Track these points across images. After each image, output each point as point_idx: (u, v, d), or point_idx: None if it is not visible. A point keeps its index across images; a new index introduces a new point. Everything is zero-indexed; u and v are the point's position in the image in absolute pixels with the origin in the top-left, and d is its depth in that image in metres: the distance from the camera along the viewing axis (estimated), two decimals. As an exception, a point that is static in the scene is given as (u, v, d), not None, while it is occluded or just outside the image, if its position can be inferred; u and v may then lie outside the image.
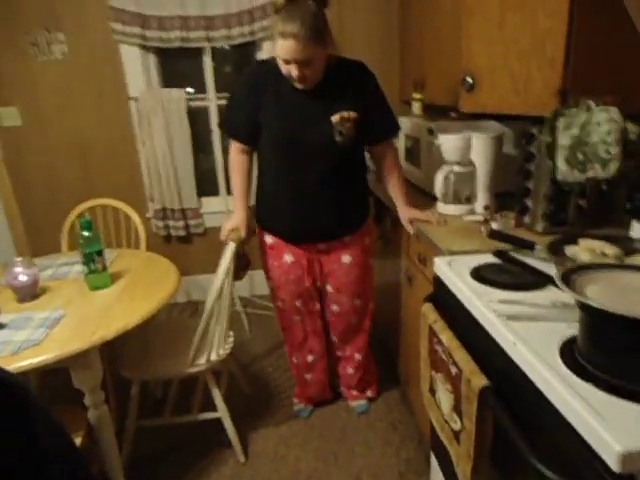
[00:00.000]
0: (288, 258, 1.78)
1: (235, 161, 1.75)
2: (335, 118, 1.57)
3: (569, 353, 0.82)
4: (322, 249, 1.77)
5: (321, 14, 1.44)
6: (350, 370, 2.06)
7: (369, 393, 2.14)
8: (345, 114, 1.57)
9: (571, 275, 0.84)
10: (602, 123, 1.26)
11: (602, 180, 1.32)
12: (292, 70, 1.46)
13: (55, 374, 1.41)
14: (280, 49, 1.43)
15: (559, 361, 0.80)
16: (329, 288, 1.86)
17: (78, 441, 1.40)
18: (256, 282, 3.20)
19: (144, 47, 2.75)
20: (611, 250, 1.18)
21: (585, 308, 0.75)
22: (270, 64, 1.56)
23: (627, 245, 1.21)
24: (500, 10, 1.42)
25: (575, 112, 1.26)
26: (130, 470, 1.75)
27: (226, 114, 1.78)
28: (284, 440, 1.94)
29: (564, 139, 1.28)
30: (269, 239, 1.79)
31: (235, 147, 1.73)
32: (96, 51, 2.74)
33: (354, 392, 2.12)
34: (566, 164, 1.30)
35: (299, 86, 1.54)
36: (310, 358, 1.99)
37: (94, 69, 2.77)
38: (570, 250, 1.22)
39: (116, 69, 2.78)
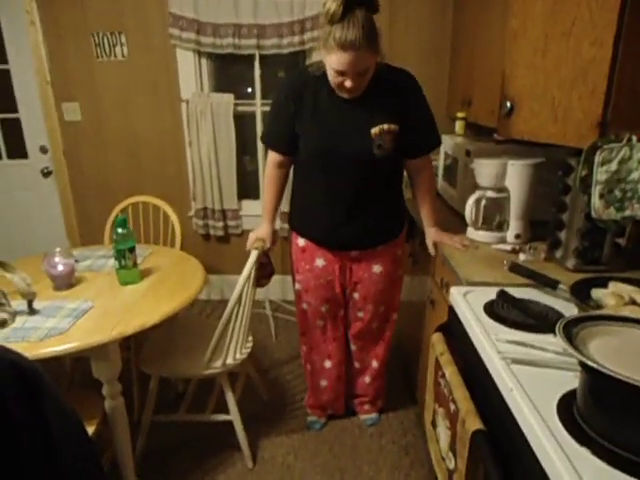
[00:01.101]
0: (320, 262, 1.78)
1: (271, 175, 1.76)
2: (375, 131, 1.53)
3: (567, 408, 0.77)
4: (354, 257, 1.76)
5: (373, 21, 1.39)
6: (367, 379, 2.04)
7: (379, 404, 2.13)
8: (385, 127, 1.54)
9: (579, 324, 0.79)
10: (644, 160, 1.18)
11: (642, 220, 1.24)
12: (346, 82, 1.43)
13: (87, 360, 1.48)
14: (336, 61, 1.38)
15: (555, 416, 0.76)
16: (356, 296, 1.85)
17: (92, 428, 1.47)
18: (288, 287, 3.24)
19: (198, 52, 2.85)
20: (642, 297, 1.10)
21: (582, 364, 0.71)
22: (307, 73, 1.56)
23: (661, 293, 1.13)
24: (544, 36, 1.36)
25: (615, 146, 1.19)
26: (141, 461, 1.82)
27: (265, 125, 1.78)
28: (294, 450, 1.94)
29: (601, 174, 1.21)
30: (301, 241, 1.79)
31: (272, 159, 1.73)
32: (154, 54, 2.87)
33: (366, 406, 2.10)
34: (601, 200, 1.23)
35: (346, 96, 1.51)
36: (328, 364, 1.97)
37: (150, 71, 2.91)
38: (597, 293, 1.15)
39: (171, 72, 2.90)
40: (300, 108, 1.59)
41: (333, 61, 1.39)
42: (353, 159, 1.58)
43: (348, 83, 1.43)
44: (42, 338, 1.38)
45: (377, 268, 1.78)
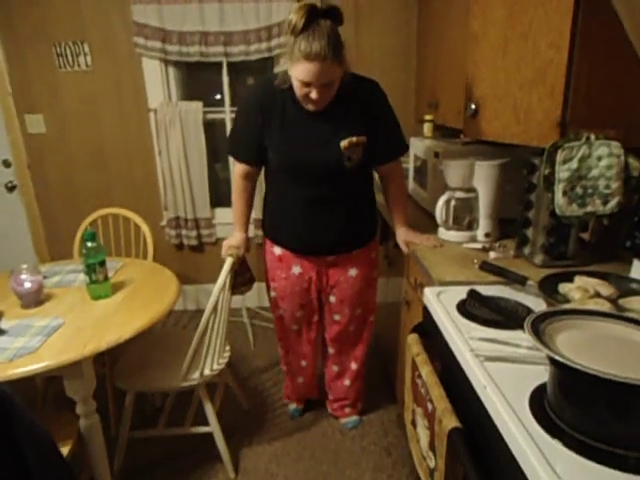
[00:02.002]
0: (296, 270, 1.78)
1: (238, 186, 1.74)
2: (344, 144, 1.54)
3: (539, 402, 0.79)
4: (330, 261, 1.77)
5: (338, 32, 1.39)
6: (347, 382, 2.05)
7: (359, 406, 2.15)
8: (355, 139, 1.54)
9: (546, 319, 0.82)
10: (603, 157, 1.23)
11: (603, 215, 1.29)
12: (312, 93, 1.42)
13: (60, 378, 1.44)
14: (302, 72, 1.38)
15: (527, 410, 0.78)
16: (333, 299, 1.86)
17: (67, 449, 1.43)
18: (265, 294, 3.22)
19: (164, 60, 2.82)
20: (606, 290, 1.14)
21: (550, 359, 0.73)
22: (273, 83, 1.54)
23: (624, 285, 1.17)
24: (504, 38, 1.40)
25: (575, 145, 1.23)
26: (121, 479, 1.78)
27: (230, 135, 1.73)
28: (276, 458, 1.93)
29: (563, 172, 1.25)
30: (278, 250, 1.78)
31: (239, 170, 1.71)
32: (119, 63, 2.83)
33: (347, 409, 2.12)
34: (564, 197, 1.27)
35: (311, 108, 1.50)
36: (304, 363, 2.04)
37: (116, 81, 2.86)
38: (564, 288, 1.19)
39: (137, 81, 2.86)
40: (268, 121, 1.57)
41: (299, 72, 1.39)
42: (323, 171, 1.59)
43: (314, 94, 1.43)
44: (11, 359, 1.34)
45: (353, 271, 1.80)
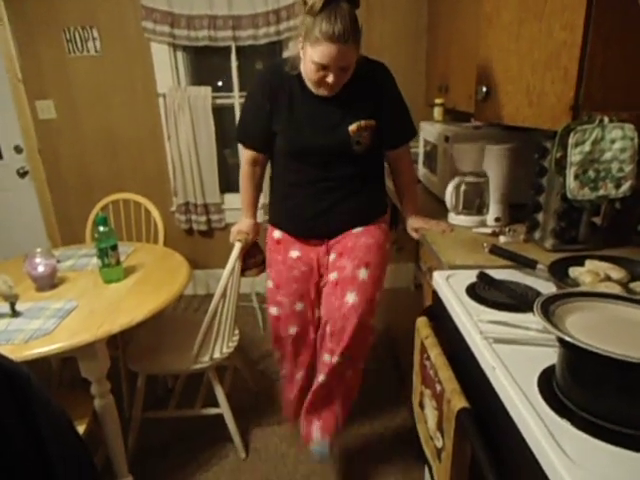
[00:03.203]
0: (294, 253, 1.68)
1: (246, 173, 1.72)
2: (352, 128, 1.51)
3: (547, 383, 0.80)
4: (333, 242, 1.68)
5: (356, 15, 1.35)
6: (321, 377, 1.63)
7: (329, 426, 1.67)
8: (363, 123, 1.52)
9: (556, 301, 0.82)
10: (616, 140, 1.21)
11: (615, 199, 1.28)
12: (329, 77, 1.38)
13: (75, 359, 1.47)
14: (321, 54, 1.33)
15: (536, 391, 0.79)
16: (332, 257, 1.65)
17: (83, 427, 1.47)
18: (274, 279, 3.25)
19: (173, 45, 2.81)
20: (617, 274, 1.14)
21: (560, 340, 0.73)
22: (282, 68, 1.53)
23: (636, 269, 1.16)
24: (518, 20, 1.38)
25: (588, 128, 1.21)
26: (134, 458, 1.83)
27: (239, 121, 1.71)
28: (286, 439, 1.96)
29: (575, 155, 1.24)
30: (277, 234, 1.72)
31: (247, 156, 1.69)
32: (128, 48, 2.83)
33: (315, 423, 1.68)
34: (576, 181, 1.26)
35: (323, 93, 1.47)
36: (298, 376, 1.76)
37: (125, 66, 2.86)
38: (574, 272, 1.18)
39: (146, 66, 2.86)
40: (276, 106, 1.55)
41: (317, 54, 1.34)
42: (332, 156, 1.57)
43: (330, 78, 1.39)
44: (27, 340, 1.37)
45: (358, 229, 1.65)
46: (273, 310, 1.71)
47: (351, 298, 1.56)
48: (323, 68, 1.37)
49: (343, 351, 1.57)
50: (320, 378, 1.62)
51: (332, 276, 1.62)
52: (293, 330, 1.69)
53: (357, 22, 1.36)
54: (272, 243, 1.74)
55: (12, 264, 1.90)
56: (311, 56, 1.36)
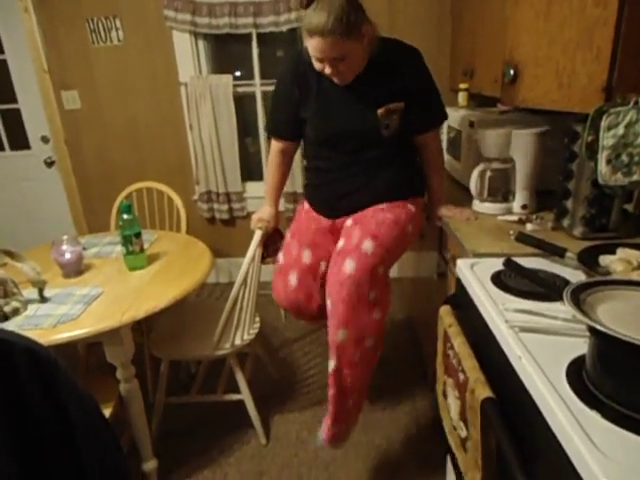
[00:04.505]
0: (322, 219, 1.70)
1: (274, 161, 1.73)
2: (381, 112, 1.51)
3: (576, 374, 0.77)
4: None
5: (353, 4, 1.34)
6: (331, 364, 1.50)
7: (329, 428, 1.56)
8: (392, 106, 1.51)
9: (586, 290, 0.79)
10: (652, 123, 1.16)
11: (650, 185, 1.22)
12: (326, 68, 1.41)
13: (100, 344, 1.50)
14: (311, 47, 1.37)
15: (564, 382, 0.76)
16: (348, 222, 1.61)
17: (109, 411, 1.50)
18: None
19: (194, 33, 2.81)
20: (651, 262, 1.09)
21: (591, 329, 0.70)
22: (307, 56, 1.50)
23: (670, 257, 1.12)
24: (547, -2, 1.33)
25: (621, 110, 1.16)
26: (159, 442, 1.86)
27: (269, 115, 1.72)
28: (307, 426, 1.97)
29: (607, 139, 1.19)
30: (307, 205, 1.75)
31: (276, 146, 1.71)
32: (150, 38, 2.84)
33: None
34: (608, 166, 1.21)
35: (337, 82, 1.48)
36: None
37: (147, 55, 2.87)
38: (605, 260, 1.14)
39: (168, 55, 2.87)
40: (305, 92, 1.55)
41: (310, 47, 1.38)
42: (361, 140, 1.57)
43: (327, 70, 1.40)
44: (55, 325, 1.40)
45: (382, 205, 1.61)
46: (280, 258, 1.69)
47: (349, 266, 1.44)
48: (319, 60, 1.39)
49: (341, 324, 1.44)
50: (331, 365, 1.50)
51: (339, 244, 1.54)
52: (294, 279, 1.61)
53: (350, 12, 1.32)
54: (301, 210, 1.78)
55: (40, 251, 1.94)
56: (308, 48, 1.39)
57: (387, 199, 1.61)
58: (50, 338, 1.33)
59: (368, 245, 1.47)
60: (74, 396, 1.19)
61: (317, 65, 1.42)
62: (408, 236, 1.60)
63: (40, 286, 1.55)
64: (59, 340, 1.35)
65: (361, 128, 1.54)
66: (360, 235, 1.50)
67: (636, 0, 1.09)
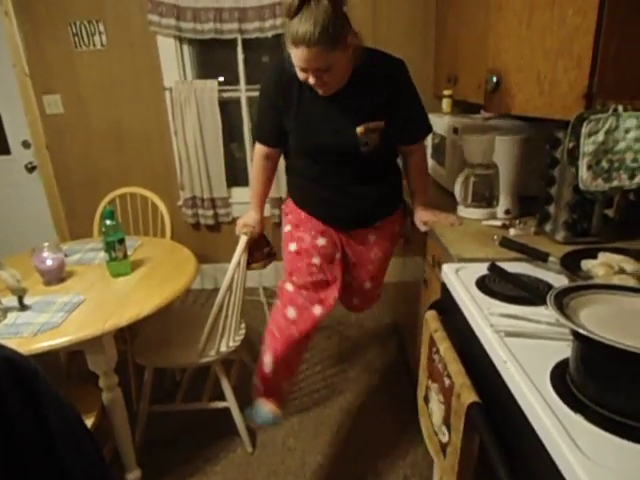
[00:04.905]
0: (320, 227, 1.70)
1: (258, 166, 1.72)
2: (360, 130, 1.49)
3: (560, 377, 0.78)
4: (351, 233, 1.74)
5: (338, 14, 1.31)
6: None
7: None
8: (372, 125, 1.49)
9: (569, 294, 0.80)
10: (631, 129, 1.18)
11: (629, 190, 1.25)
12: (309, 78, 1.39)
13: (82, 353, 1.47)
14: (294, 57, 1.35)
15: (549, 386, 0.77)
16: (348, 252, 1.76)
17: (91, 420, 1.47)
18: (282, 273, 3.23)
19: (179, 38, 2.80)
20: (631, 266, 1.11)
21: (574, 333, 0.71)
22: (290, 65, 1.49)
23: (650, 261, 1.14)
24: (529, 6, 1.35)
25: (602, 117, 1.18)
26: (142, 451, 1.83)
27: (256, 122, 1.74)
28: (294, 433, 1.96)
29: (588, 145, 1.21)
30: (303, 214, 1.72)
31: (260, 151, 1.69)
32: (134, 42, 2.81)
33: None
34: (589, 172, 1.23)
35: (320, 93, 1.46)
36: (317, 310, 1.62)
37: (132, 60, 2.85)
38: (587, 264, 1.16)
39: (152, 60, 2.85)
40: (287, 103, 1.54)
41: (294, 57, 1.35)
42: (340, 155, 1.56)
43: (311, 80, 1.39)
44: (35, 333, 1.37)
45: (374, 252, 1.77)
46: (292, 246, 1.66)
47: (355, 302, 1.93)
48: (303, 70, 1.38)
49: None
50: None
51: (346, 277, 1.79)
52: (317, 260, 1.61)
53: (337, 21, 1.30)
54: (300, 216, 1.73)
55: (20, 258, 1.90)
56: (292, 58, 1.37)
57: (371, 220, 1.72)
58: (30, 347, 1.30)
59: (369, 285, 1.83)
60: (54, 405, 1.17)
61: (301, 75, 1.40)
62: (392, 255, 1.86)
63: (20, 294, 1.51)
64: (40, 349, 1.32)
65: (340, 143, 1.52)
66: (360, 280, 1.82)
67: (615, 10, 1.11)
